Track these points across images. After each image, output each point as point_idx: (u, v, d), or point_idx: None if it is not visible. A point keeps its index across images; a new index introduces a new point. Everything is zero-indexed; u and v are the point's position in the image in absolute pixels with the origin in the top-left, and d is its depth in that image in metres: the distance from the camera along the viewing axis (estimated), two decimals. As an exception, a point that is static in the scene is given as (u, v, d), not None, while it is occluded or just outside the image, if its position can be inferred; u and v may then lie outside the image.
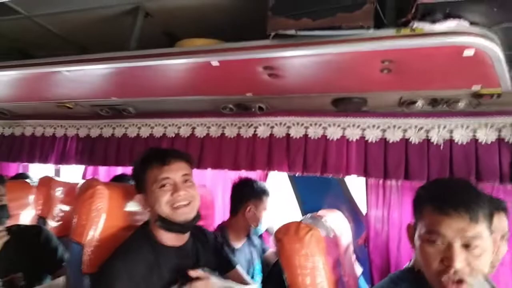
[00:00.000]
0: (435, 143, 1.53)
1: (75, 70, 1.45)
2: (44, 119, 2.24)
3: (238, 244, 1.81)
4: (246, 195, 1.82)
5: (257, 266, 1.86)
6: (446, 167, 1.51)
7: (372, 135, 1.60)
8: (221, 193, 2.28)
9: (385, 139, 1.59)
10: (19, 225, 1.65)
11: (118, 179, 2.14)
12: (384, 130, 1.59)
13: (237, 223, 1.82)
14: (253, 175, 2.03)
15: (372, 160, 1.60)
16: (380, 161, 1.58)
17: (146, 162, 1.30)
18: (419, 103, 1.45)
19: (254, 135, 1.79)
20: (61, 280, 1.49)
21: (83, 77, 1.55)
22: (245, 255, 1.80)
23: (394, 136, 1.57)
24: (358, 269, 1.80)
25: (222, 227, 1.85)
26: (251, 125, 1.80)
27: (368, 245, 1.73)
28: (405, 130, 1.57)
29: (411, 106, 1.48)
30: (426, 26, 0.97)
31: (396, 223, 1.70)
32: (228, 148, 1.84)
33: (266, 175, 2.17)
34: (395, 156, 1.57)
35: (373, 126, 1.60)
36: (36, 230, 1.66)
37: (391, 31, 1.01)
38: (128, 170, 2.27)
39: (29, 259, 1.55)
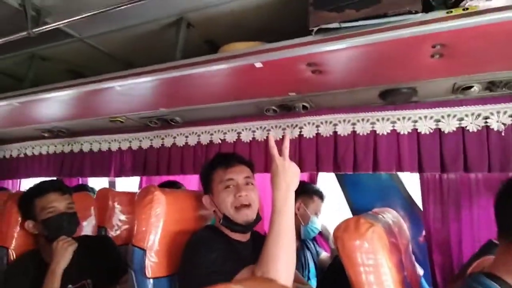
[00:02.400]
0: (495, 129, 1.42)
1: (126, 84, 1.53)
2: (99, 134, 2.38)
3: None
4: (296, 193, 1.80)
5: (312, 269, 1.83)
6: (509, 155, 1.40)
7: (425, 127, 1.52)
8: (269, 198, 2.28)
9: (440, 129, 1.50)
10: (86, 235, 1.75)
11: (166, 185, 2.22)
12: (438, 120, 1.50)
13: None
14: (303, 177, 2.01)
15: (426, 153, 1.52)
16: (435, 153, 1.50)
17: (213, 165, 1.44)
18: (475, 88, 1.36)
19: (300, 135, 1.77)
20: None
21: (133, 90, 1.62)
22: (299, 258, 1.78)
23: (449, 126, 1.48)
24: (420, 271, 1.71)
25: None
26: (296, 125, 1.78)
27: (429, 244, 1.64)
28: (461, 119, 1.47)
29: (466, 92, 1.39)
30: (480, 3, 0.91)
31: (456, 219, 1.60)
32: (275, 150, 1.83)
33: (316, 177, 2.13)
34: (451, 148, 1.48)
35: (425, 117, 1.53)
36: (102, 240, 1.76)
37: (441, 13, 0.96)
38: (178, 178, 2.35)
39: (97, 267, 1.65)
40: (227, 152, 1.76)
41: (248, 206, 1.34)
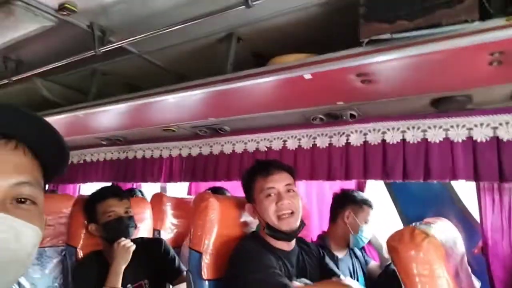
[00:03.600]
0: (560, 136, 1.34)
1: (178, 96, 1.62)
2: (153, 142, 2.52)
3: (340, 254, 1.79)
4: (346, 202, 1.81)
5: (360, 278, 1.81)
6: None
7: (481, 134, 1.46)
8: (315, 205, 2.29)
9: (497, 137, 1.44)
10: (142, 238, 1.87)
11: (212, 191, 2.29)
12: (495, 128, 1.44)
13: (336, 230, 1.81)
14: (350, 186, 2.00)
15: (483, 161, 1.46)
16: (493, 162, 1.43)
17: (253, 174, 1.44)
18: (537, 94, 1.30)
19: (347, 143, 1.77)
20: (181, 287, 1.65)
21: (185, 102, 1.72)
22: (347, 266, 1.77)
23: (508, 133, 1.42)
24: (476, 283, 1.63)
25: (322, 236, 1.86)
26: (343, 133, 1.78)
27: (487, 256, 1.57)
28: (521, 126, 1.41)
29: (526, 99, 1.33)
30: (543, 10, 0.88)
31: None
32: (321, 158, 1.84)
33: (364, 185, 2.11)
34: (511, 155, 1.42)
35: (481, 124, 1.47)
36: (157, 242, 1.87)
37: (500, 21, 0.93)
38: (224, 184, 2.43)
39: (153, 268, 1.75)
40: (266, 159, 1.78)
41: (291, 214, 1.34)
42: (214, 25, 1.47)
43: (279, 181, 1.38)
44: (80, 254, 1.80)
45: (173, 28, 1.36)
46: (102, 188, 1.85)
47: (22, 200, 0.55)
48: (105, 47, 1.54)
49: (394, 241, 1.03)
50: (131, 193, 2.69)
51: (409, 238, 1.00)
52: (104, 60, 1.87)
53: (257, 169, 1.45)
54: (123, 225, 1.73)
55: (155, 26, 1.42)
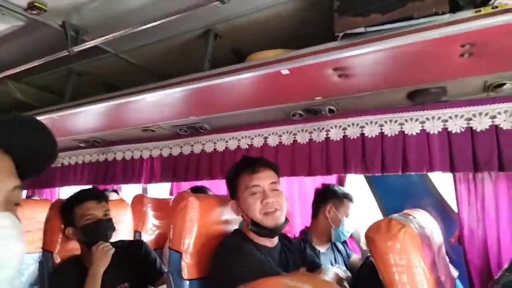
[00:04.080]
0: (531, 126, 1.39)
1: (157, 95, 1.60)
2: (132, 143, 2.48)
3: (322, 248, 1.80)
4: (327, 197, 1.82)
5: (343, 271, 1.83)
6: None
7: (456, 126, 1.50)
8: (297, 202, 2.30)
9: (471, 128, 1.48)
10: (123, 240, 1.83)
11: (194, 190, 2.27)
12: (469, 119, 1.48)
13: (318, 225, 1.82)
14: (331, 181, 2.02)
15: (458, 152, 1.49)
16: (468, 153, 1.47)
17: (238, 170, 1.42)
18: (508, 85, 1.33)
19: (327, 138, 1.78)
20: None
21: (164, 101, 1.69)
22: (329, 260, 1.78)
23: (481, 124, 1.45)
24: (454, 272, 1.67)
25: (304, 231, 1.86)
26: (323, 128, 1.80)
27: (464, 245, 1.60)
28: (493, 117, 1.44)
29: (498, 90, 1.37)
30: (510, 1, 0.91)
31: (493, 219, 1.56)
32: (302, 154, 1.85)
33: (344, 179, 2.13)
34: (485, 146, 1.45)
35: (456, 116, 1.50)
36: (138, 244, 1.84)
37: (469, 12, 0.96)
38: (206, 183, 2.41)
39: (133, 271, 1.72)
40: (252, 156, 1.77)
41: (275, 211, 1.34)
42: (191, 22, 1.46)
43: (264, 179, 1.37)
44: (57, 259, 1.75)
45: (148, 25, 1.34)
46: (80, 191, 1.81)
47: (17, 203, 0.60)
48: (79, 47, 1.50)
49: (371, 232, 1.04)
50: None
51: (386, 229, 1.02)
52: (80, 60, 1.83)
53: (242, 166, 1.43)
54: (101, 228, 1.69)
55: (130, 24, 1.39)
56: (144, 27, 1.35)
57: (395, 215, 1.28)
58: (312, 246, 1.74)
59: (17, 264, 0.58)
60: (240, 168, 1.43)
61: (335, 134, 1.76)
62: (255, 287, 1.12)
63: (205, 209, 1.44)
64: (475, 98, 1.47)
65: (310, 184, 2.22)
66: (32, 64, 1.70)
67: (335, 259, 1.82)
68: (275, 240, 1.41)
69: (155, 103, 1.72)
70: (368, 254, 1.68)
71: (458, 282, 1.70)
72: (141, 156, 2.43)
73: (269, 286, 1.10)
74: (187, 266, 1.34)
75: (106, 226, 1.71)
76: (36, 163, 0.66)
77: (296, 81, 1.38)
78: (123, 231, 2.02)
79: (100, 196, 1.76)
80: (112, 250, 1.65)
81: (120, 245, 1.74)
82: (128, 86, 1.70)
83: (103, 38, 1.45)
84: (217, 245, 1.36)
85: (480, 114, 1.46)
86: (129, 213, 2.09)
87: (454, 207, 1.74)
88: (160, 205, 2.26)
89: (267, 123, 1.97)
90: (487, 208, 1.57)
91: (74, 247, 1.77)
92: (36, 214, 2.18)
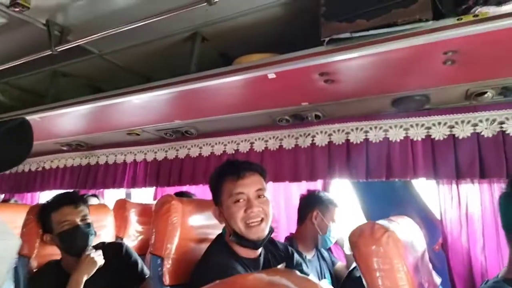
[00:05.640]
0: (511, 135, 1.42)
1: (142, 97, 1.58)
2: (115, 147, 2.43)
3: (308, 255, 1.79)
4: (313, 203, 1.81)
5: (328, 279, 1.82)
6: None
7: (439, 133, 1.52)
8: (283, 207, 2.29)
9: (454, 135, 1.50)
10: (103, 242, 1.78)
11: (178, 196, 2.24)
12: (451, 127, 1.51)
13: (304, 231, 1.81)
14: (315, 186, 2.02)
15: (441, 159, 1.52)
16: (450, 160, 1.50)
17: (222, 175, 1.32)
18: (489, 94, 1.36)
19: (312, 144, 1.79)
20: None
21: (149, 103, 1.67)
22: (315, 268, 1.77)
23: (463, 131, 1.48)
24: (437, 279, 1.68)
25: (290, 238, 1.85)
26: (309, 134, 1.81)
27: (446, 252, 1.62)
28: (475, 124, 1.47)
29: (479, 98, 1.40)
30: (491, 9, 0.93)
31: (476, 226, 1.58)
32: (287, 159, 1.85)
33: (328, 185, 2.14)
34: (466, 153, 1.48)
35: (439, 123, 1.53)
36: (118, 246, 1.78)
37: (451, 20, 0.98)
38: (190, 188, 2.38)
39: (114, 274, 1.67)
40: (237, 159, 1.71)
41: (260, 221, 1.25)
42: (177, 24, 1.45)
43: (249, 186, 1.27)
44: (34, 264, 1.68)
45: (134, 26, 1.32)
46: (56, 196, 1.75)
47: None
48: (62, 46, 1.47)
49: (355, 237, 1.04)
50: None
51: (369, 233, 1.02)
52: (64, 60, 1.80)
53: (226, 170, 1.33)
54: (79, 234, 1.63)
55: (115, 25, 1.37)
56: (129, 27, 1.33)
57: (380, 220, 1.28)
58: (299, 252, 1.72)
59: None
60: (224, 172, 1.33)
61: (321, 140, 1.77)
62: (231, 282, 1.09)
63: (188, 213, 1.42)
64: (457, 106, 1.50)
65: (297, 189, 2.22)
66: (14, 63, 1.66)
67: (320, 267, 1.80)
68: (259, 250, 1.33)
69: (140, 106, 1.70)
70: (353, 267, 1.67)
71: (441, 288, 1.71)
72: (124, 160, 2.39)
73: (244, 281, 1.07)
74: (168, 271, 1.31)
75: (84, 232, 1.64)
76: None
77: (283, 85, 1.38)
78: (104, 237, 1.97)
79: (77, 200, 1.69)
80: (101, 262, 1.59)
81: (100, 247, 1.69)
82: (113, 88, 1.67)
83: (87, 38, 1.42)
84: (202, 256, 1.29)
85: (463, 122, 1.49)
86: (111, 218, 2.04)
87: (437, 214, 1.75)
88: (143, 211, 2.21)
89: (253, 128, 1.97)
90: (470, 215, 1.59)
91: (51, 252, 1.71)
92: (14, 219, 2.10)
